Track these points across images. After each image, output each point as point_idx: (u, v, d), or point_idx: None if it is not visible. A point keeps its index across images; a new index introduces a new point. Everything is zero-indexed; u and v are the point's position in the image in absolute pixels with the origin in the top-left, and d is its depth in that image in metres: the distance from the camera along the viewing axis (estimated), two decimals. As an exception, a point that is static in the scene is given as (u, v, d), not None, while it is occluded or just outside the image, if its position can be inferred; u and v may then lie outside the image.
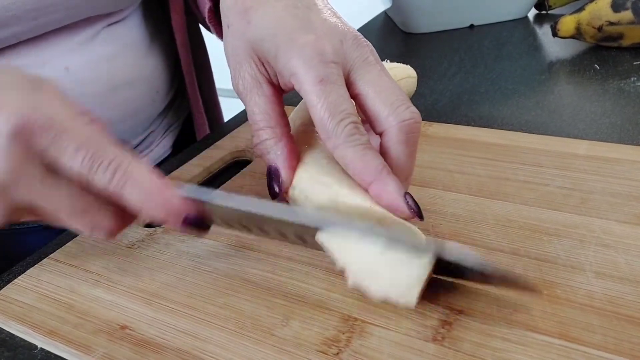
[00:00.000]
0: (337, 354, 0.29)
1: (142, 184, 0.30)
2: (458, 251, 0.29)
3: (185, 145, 0.61)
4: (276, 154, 0.35)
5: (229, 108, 0.70)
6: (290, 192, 0.36)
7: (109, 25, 0.51)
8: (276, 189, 0.35)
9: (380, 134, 0.34)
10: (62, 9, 0.46)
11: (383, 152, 0.34)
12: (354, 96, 0.34)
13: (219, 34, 0.47)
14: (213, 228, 0.34)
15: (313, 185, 0.34)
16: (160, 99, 0.57)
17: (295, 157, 0.36)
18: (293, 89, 0.35)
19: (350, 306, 0.32)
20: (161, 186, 0.30)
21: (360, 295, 0.32)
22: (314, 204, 0.33)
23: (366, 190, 0.33)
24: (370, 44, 0.35)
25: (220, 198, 0.32)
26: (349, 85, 0.34)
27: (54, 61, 0.47)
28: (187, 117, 0.64)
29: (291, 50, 0.33)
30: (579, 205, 0.37)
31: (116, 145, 0.31)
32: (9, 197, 0.30)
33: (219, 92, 0.69)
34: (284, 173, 0.35)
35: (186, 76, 0.59)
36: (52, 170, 0.30)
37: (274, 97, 0.35)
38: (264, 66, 0.35)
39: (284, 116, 0.36)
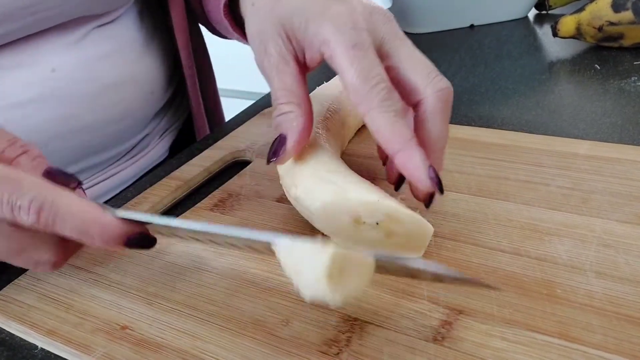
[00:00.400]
0: (338, 354, 0.29)
1: (72, 216, 0.29)
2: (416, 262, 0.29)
3: (183, 148, 0.61)
4: (292, 125, 0.34)
5: (227, 108, 0.70)
6: (293, 191, 0.36)
7: (100, 25, 0.50)
8: (277, 153, 0.34)
9: (415, 105, 0.34)
10: (54, 6, 0.45)
11: (418, 122, 0.34)
12: (386, 69, 0.34)
13: (234, 28, 0.47)
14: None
15: (317, 183, 0.34)
16: (155, 100, 0.57)
17: (308, 135, 0.35)
18: (320, 63, 0.35)
19: (351, 306, 0.32)
20: (94, 213, 0.29)
21: (360, 295, 0.32)
22: (319, 201, 0.33)
23: (391, 158, 0.33)
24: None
25: (156, 219, 0.32)
26: (381, 57, 0.34)
27: (44, 60, 0.47)
28: (186, 119, 0.64)
29: (323, 19, 0.33)
30: (580, 205, 0.37)
31: (36, 180, 0.29)
32: None
33: (220, 93, 0.69)
34: (290, 143, 0.34)
35: (188, 78, 0.59)
36: None
37: (300, 75, 0.35)
38: (291, 43, 0.35)
39: (308, 95, 0.36)
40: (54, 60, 0.47)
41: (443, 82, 0.34)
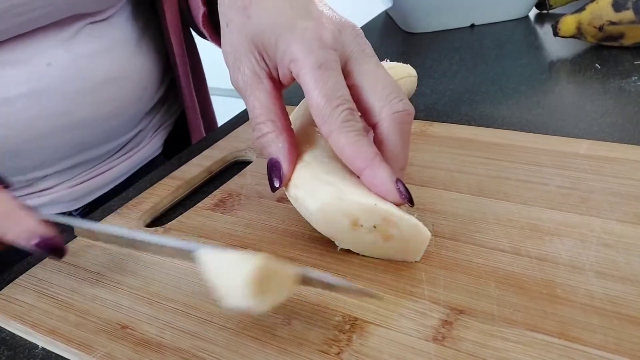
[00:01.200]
0: (338, 353, 0.29)
1: None
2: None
3: (177, 145, 0.61)
4: (277, 147, 0.35)
5: (223, 106, 0.70)
6: (293, 191, 0.36)
7: (93, 23, 0.51)
8: (276, 182, 0.35)
9: (373, 126, 0.35)
10: (43, 6, 0.46)
11: (377, 143, 0.34)
12: (349, 87, 0.34)
13: (213, 38, 0.48)
14: (209, 227, 0.34)
15: (316, 184, 0.34)
16: (148, 96, 0.57)
17: (296, 151, 0.36)
18: (292, 81, 0.35)
19: (351, 306, 0.32)
20: (14, 209, 0.31)
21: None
22: (317, 202, 0.34)
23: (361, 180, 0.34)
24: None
25: (77, 222, 0.33)
26: (345, 75, 0.34)
27: (38, 56, 0.47)
28: (179, 116, 0.64)
29: (291, 36, 0.34)
30: (580, 205, 0.37)
31: None
32: None
33: (213, 92, 0.70)
34: (285, 166, 0.35)
35: (182, 75, 0.59)
36: None
37: (274, 91, 0.36)
38: (264, 60, 0.36)
39: (284, 111, 0.36)
40: (48, 56, 0.48)
41: (400, 105, 0.34)
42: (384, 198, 0.33)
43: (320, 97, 0.32)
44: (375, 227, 0.33)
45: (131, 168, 0.58)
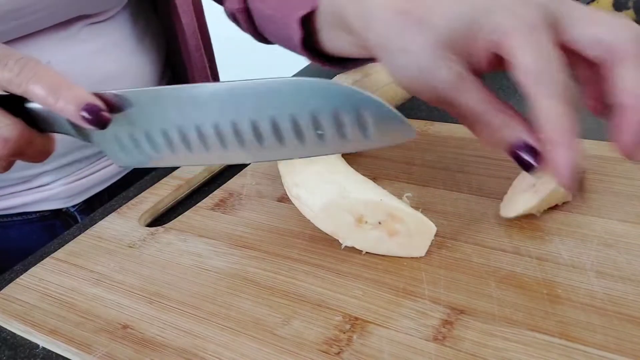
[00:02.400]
0: (339, 353, 0.29)
1: (48, 76, 0.32)
2: None
3: None
4: (519, 130, 0.31)
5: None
6: (295, 190, 0.36)
7: (92, 23, 0.51)
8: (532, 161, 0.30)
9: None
10: (45, 8, 0.46)
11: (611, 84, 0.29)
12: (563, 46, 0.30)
13: (315, 60, 0.43)
14: (210, 226, 0.34)
15: (319, 182, 0.35)
16: None
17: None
18: (491, 60, 0.32)
19: (351, 305, 0.32)
20: (64, 80, 0.32)
21: (361, 295, 0.32)
22: (321, 200, 0.34)
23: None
24: None
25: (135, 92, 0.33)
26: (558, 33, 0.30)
27: (37, 55, 0.47)
28: None
29: (493, 4, 0.29)
30: (581, 204, 0.37)
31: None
32: None
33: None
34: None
35: (195, 62, 0.59)
36: None
37: (479, 83, 0.32)
38: (455, 57, 0.31)
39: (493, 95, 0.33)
40: (48, 54, 0.48)
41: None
42: (558, 179, 0.29)
43: (533, 61, 0.28)
44: (380, 223, 0.33)
45: None
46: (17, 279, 0.37)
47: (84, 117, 0.32)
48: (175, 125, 0.34)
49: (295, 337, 0.30)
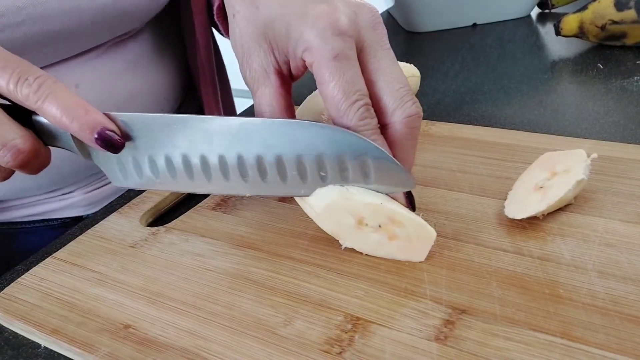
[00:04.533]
0: (340, 353, 0.29)
1: (64, 97, 0.31)
2: None
3: None
4: None
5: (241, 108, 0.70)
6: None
7: (117, 42, 0.51)
8: None
9: (383, 125, 0.34)
10: (85, 35, 0.47)
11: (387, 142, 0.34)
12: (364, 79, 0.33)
13: (226, 29, 0.47)
14: (212, 226, 0.34)
15: (333, 192, 0.34)
16: (169, 107, 0.58)
17: None
18: (304, 72, 0.35)
19: (353, 305, 0.32)
20: (82, 102, 0.32)
21: (363, 295, 0.32)
22: (323, 201, 0.34)
23: None
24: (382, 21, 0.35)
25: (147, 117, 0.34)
26: (361, 64, 0.33)
27: (67, 79, 0.48)
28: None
29: (304, 23, 0.32)
30: (582, 205, 0.37)
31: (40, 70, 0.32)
32: None
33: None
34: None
35: (208, 83, 0.59)
36: None
37: (282, 88, 0.35)
38: (273, 53, 0.35)
39: (290, 109, 0.35)
40: (76, 77, 0.48)
41: (413, 108, 0.33)
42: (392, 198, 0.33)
43: (336, 90, 0.31)
44: (380, 226, 0.33)
45: None
46: (19, 279, 0.37)
47: (98, 142, 0.32)
48: (180, 152, 0.34)
49: (297, 337, 0.30)
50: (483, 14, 0.78)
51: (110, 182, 0.54)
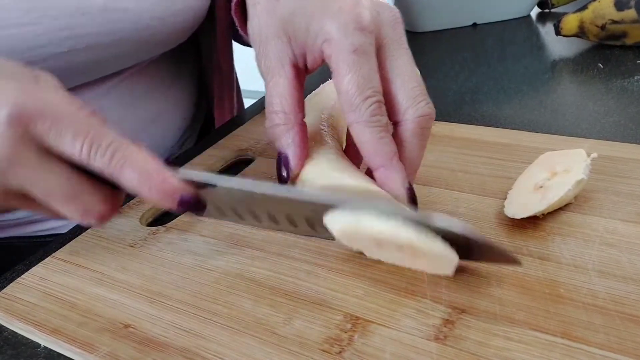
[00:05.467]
0: (340, 352, 0.29)
1: (139, 165, 0.31)
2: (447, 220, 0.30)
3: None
4: (287, 141, 0.34)
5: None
6: (300, 187, 0.36)
7: (138, 67, 0.51)
8: (285, 174, 0.35)
9: (395, 123, 0.34)
10: (109, 66, 0.47)
11: (396, 141, 0.34)
12: (380, 77, 0.33)
13: (242, 26, 0.46)
14: (211, 226, 0.34)
15: (323, 181, 0.35)
16: (185, 125, 0.58)
17: (306, 146, 0.35)
18: (319, 65, 0.34)
19: (353, 305, 0.32)
20: (158, 168, 0.31)
21: (362, 294, 0.32)
22: (336, 228, 0.33)
23: (372, 177, 0.34)
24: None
25: (219, 179, 0.33)
26: (378, 61, 0.33)
27: (89, 103, 0.47)
28: (201, 127, 0.65)
29: (325, 16, 0.32)
30: (582, 204, 0.37)
31: (114, 132, 0.31)
32: (3, 181, 0.30)
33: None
34: (293, 162, 0.35)
35: (218, 81, 0.59)
36: (46, 155, 0.30)
37: (295, 81, 0.35)
38: (290, 45, 0.34)
39: (300, 102, 0.35)
40: (96, 104, 0.48)
41: (426, 108, 0.33)
42: (393, 195, 0.33)
43: (351, 84, 0.31)
44: (400, 247, 0.32)
45: None
46: (19, 279, 0.37)
47: (180, 209, 0.32)
48: (247, 210, 0.35)
49: (296, 336, 0.30)
50: (483, 13, 0.78)
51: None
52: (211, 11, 0.54)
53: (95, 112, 0.32)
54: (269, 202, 0.33)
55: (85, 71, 0.45)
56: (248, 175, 0.46)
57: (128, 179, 0.30)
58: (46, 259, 0.39)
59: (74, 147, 0.30)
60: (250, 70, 0.68)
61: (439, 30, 0.79)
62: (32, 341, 0.34)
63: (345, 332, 0.30)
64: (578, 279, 0.32)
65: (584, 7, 0.63)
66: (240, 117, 0.58)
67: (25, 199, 0.32)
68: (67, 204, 0.31)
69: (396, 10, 0.35)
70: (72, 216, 0.32)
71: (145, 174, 0.31)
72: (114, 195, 0.32)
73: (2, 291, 0.36)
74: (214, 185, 0.33)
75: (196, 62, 0.60)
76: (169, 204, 0.32)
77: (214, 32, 0.55)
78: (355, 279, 0.34)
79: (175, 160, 0.51)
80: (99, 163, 0.30)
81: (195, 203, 0.32)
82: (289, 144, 0.34)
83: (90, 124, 0.30)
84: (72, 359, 0.32)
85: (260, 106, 0.59)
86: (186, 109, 0.57)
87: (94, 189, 0.31)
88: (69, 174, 0.31)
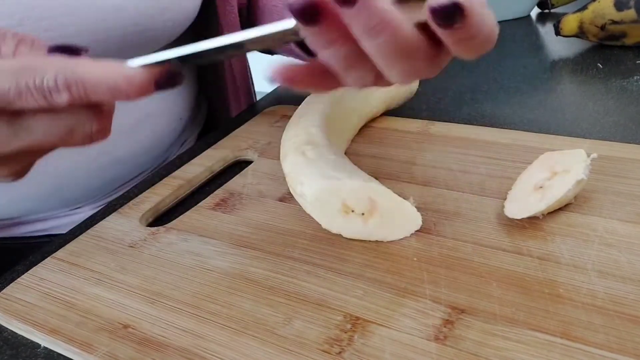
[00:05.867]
0: (340, 353, 0.29)
1: (99, 79, 0.29)
2: None
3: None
4: None
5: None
6: (299, 188, 0.36)
7: None
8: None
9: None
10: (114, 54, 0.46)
11: None
12: None
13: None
14: (211, 226, 0.34)
15: (322, 180, 0.35)
16: (182, 125, 0.58)
17: None
18: None
19: (352, 305, 0.32)
20: (116, 69, 0.29)
21: (362, 294, 0.32)
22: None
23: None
24: None
25: (171, 53, 0.31)
26: None
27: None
28: (200, 131, 0.65)
29: None
30: (582, 204, 0.37)
31: (48, 59, 0.29)
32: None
33: None
34: None
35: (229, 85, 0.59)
36: (17, 116, 0.29)
37: None
38: None
39: None
40: None
41: None
42: None
43: None
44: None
45: None
46: (19, 279, 0.37)
47: (160, 88, 0.30)
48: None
49: (296, 336, 0.30)
50: (483, 13, 0.78)
51: (118, 196, 0.55)
52: (214, 9, 0.54)
53: (16, 35, 0.30)
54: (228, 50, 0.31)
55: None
56: (248, 175, 0.46)
57: (99, 97, 0.29)
58: (46, 259, 0.39)
59: (28, 102, 0.28)
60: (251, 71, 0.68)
61: (438, 30, 0.79)
62: (31, 341, 0.34)
63: (345, 333, 0.30)
64: (577, 279, 0.32)
65: (584, 8, 0.63)
66: (241, 117, 0.58)
67: (32, 153, 0.31)
68: (71, 141, 0.31)
69: None
70: (79, 144, 0.31)
71: (111, 84, 0.29)
72: (100, 107, 0.31)
73: (2, 291, 0.36)
74: (169, 60, 0.31)
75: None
76: (148, 93, 0.30)
77: (219, 26, 0.55)
78: (355, 279, 0.34)
79: (176, 160, 0.51)
80: (62, 100, 0.28)
81: (172, 77, 0.30)
82: None
83: (24, 68, 0.28)
84: (72, 359, 0.32)
85: (258, 107, 0.59)
86: (183, 108, 0.57)
87: (81, 115, 0.30)
88: (50, 120, 0.29)
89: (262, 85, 0.42)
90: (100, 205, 0.54)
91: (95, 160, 0.50)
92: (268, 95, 0.63)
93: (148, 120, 0.52)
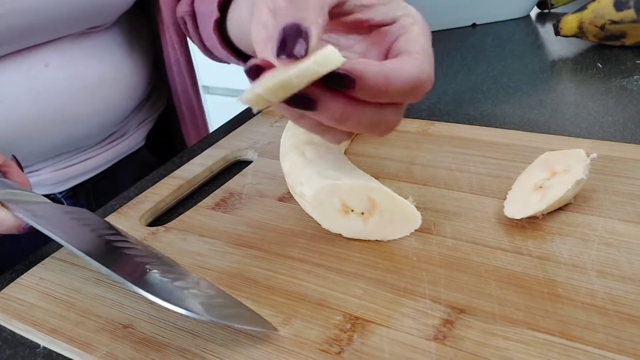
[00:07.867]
0: (339, 352, 0.29)
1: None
2: None
3: (159, 138, 0.65)
4: (314, 19, 0.28)
5: (228, 107, 0.71)
6: (299, 188, 0.36)
7: (88, 32, 0.53)
8: (302, 48, 0.27)
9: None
10: (48, 30, 0.49)
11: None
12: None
13: (223, 45, 0.49)
14: (211, 226, 0.34)
15: (321, 180, 0.35)
16: (138, 95, 0.60)
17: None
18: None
19: (352, 305, 0.32)
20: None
21: (362, 294, 0.32)
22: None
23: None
24: None
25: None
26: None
27: (36, 57, 0.50)
28: (161, 113, 0.67)
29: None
30: (582, 204, 0.37)
31: None
32: None
33: (209, 90, 0.71)
34: (314, 30, 0.27)
35: (176, 75, 0.61)
36: None
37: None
38: None
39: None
40: (46, 58, 0.50)
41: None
42: None
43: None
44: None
45: (113, 158, 0.60)
46: (18, 279, 0.37)
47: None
48: None
49: (295, 336, 0.30)
50: (482, 14, 0.78)
51: (78, 163, 0.57)
52: None
53: None
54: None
55: (25, 33, 0.47)
56: (247, 175, 0.46)
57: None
58: (45, 259, 0.39)
59: None
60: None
61: (438, 31, 0.78)
62: (31, 341, 0.34)
63: (345, 332, 0.30)
64: (577, 278, 0.32)
65: (584, 8, 0.63)
66: (241, 117, 0.58)
67: None
68: None
69: None
70: None
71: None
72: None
73: (2, 291, 0.36)
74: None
75: (151, 42, 0.62)
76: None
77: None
78: (355, 279, 0.34)
79: (175, 160, 0.51)
80: None
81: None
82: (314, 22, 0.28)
83: None
84: (71, 359, 0.32)
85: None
86: (138, 78, 0.59)
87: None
88: None
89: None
90: (59, 169, 0.56)
91: (49, 117, 0.51)
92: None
93: (100, 85, 0.54)
